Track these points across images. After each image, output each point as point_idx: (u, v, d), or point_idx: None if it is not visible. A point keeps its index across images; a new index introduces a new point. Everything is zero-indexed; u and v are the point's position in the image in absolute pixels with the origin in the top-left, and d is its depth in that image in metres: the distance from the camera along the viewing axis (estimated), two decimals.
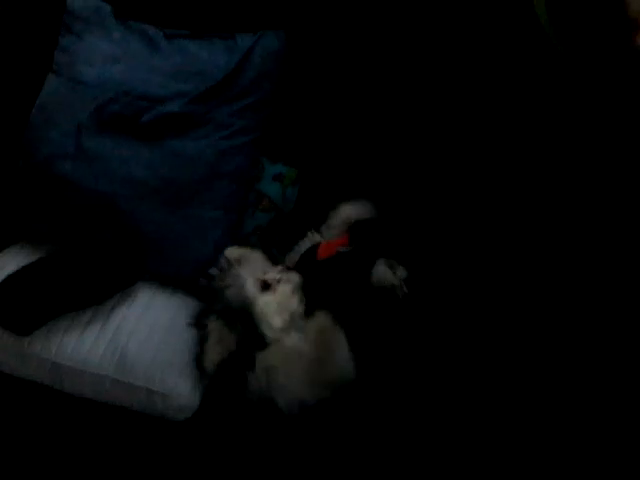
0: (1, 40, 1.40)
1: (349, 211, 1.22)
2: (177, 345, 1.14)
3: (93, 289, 1.18)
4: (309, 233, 1.26)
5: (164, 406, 1.10)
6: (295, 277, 1.08)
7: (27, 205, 1.25)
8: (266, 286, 1.08)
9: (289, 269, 1.13)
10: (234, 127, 1.26)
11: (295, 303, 1.06)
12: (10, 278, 1.17)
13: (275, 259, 1.21)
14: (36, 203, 1.24)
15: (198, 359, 1.07)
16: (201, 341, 1.07)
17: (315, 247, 1.21)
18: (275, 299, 1.06)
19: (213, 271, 1.17)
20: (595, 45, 1.06)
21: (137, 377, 1.10)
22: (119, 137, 1.24)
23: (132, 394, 1.10)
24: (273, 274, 1.09)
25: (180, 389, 1.10)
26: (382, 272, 1.12)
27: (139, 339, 1.14)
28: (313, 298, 1.07)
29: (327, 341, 1.02)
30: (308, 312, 1.06)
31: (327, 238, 1.23)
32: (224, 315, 1.06)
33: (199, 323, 1.09)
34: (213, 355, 1.04)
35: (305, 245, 1.23)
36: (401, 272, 1.12)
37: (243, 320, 1.04)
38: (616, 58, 1.05)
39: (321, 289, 1.10)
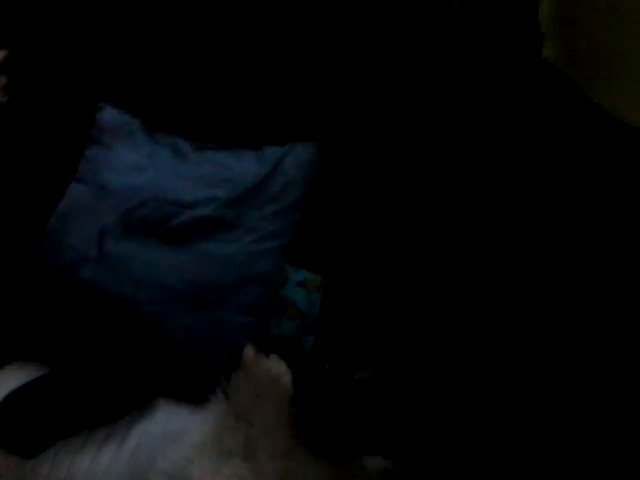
0: (23, 152, 1.42)
1: None
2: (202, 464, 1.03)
3: (109, 404, 1.07)
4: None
5: None
6: None
7: (40, 316, 1.18)
8: None
9: None
10: (263, 231, 1.26)
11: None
12: (13, 394, 1.06)
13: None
14: (51, 313, 1.17)
15: None
16: None
17: None
18: None
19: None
20: None
21: None
22: (145, 241, 1.22)
23: None
24: None
25: None
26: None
27: (162, 457, 1.02)
28: None
29: None
30: None
31: None
32: None
33: None
34: None
35: None
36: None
37: None
38: None
39: None
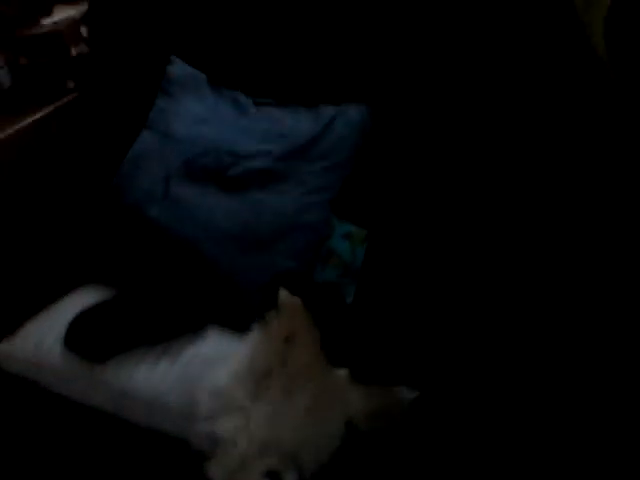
0: (102, 100, 1.55)
1: None
2: None
3: (167, 326, 1.21)
4: None
5: None
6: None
7: (111, 245, 1.32)
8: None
9: None
10: (313, 185, 1.33)
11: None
12: (88, 310, 1.21)
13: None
14: (120, 243, 1.31)
15: None
16: None
17: None
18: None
19: None
20: None
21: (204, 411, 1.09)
22: (205, 187, 1.33)
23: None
24: None
25: None
26: None
27: (209, 376, 1.14)
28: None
29: None
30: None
31: None
32: None
33: None
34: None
35: None
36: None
37: None
38: None
39: None
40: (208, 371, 1.14)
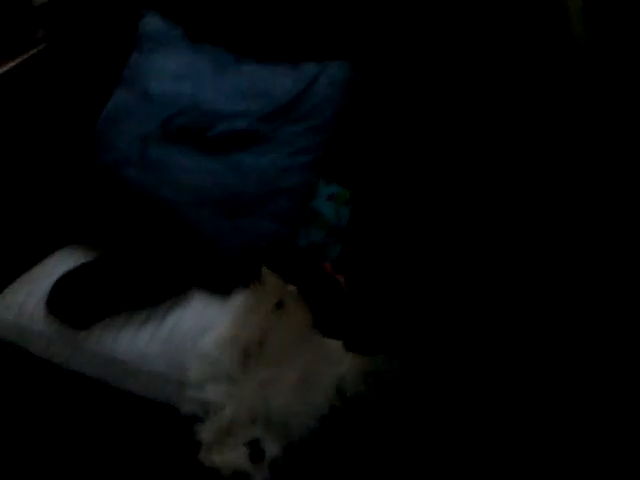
0: (72, 55, 1.48)
1: None
2: None
3: (150, 290, 1.19)
4: None
5: None
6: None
7: (89, 207, 1.28)
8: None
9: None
10: (296, 146, 1.31)
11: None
12: (69, 273, 1.18)
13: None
14: (98, 205, 1.28)
15: None
16: None
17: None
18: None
19: None
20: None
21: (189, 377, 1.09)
22: (184, 148, 1.29)
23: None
24: None
25: None
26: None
27: (192, 344, 1.14)
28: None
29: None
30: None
31: None
32: None
33: None
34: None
35: None
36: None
37: None
38: None
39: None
40: (193, 337, 1.14)
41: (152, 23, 1.43)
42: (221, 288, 1.22)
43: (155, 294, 1.19)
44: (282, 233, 1.28)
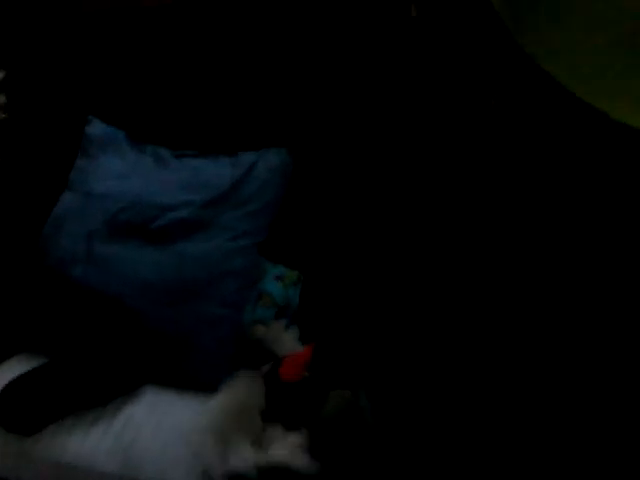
0: (21, 163, 1.54)
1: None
2: (183, 445, 1.12)
3: (98, 391, 1.18)
4: None
5: None
6: None
7: (39, 311, 1.28)
8: None
9: None
10: (238, 230, 1.35)
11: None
12: (14, 381, 1.17)
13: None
14: (47, 308, 1.28)
15: None
16: None
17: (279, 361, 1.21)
18: None
19: None
20: None
21: (144, 474, 1.06)
22: (129, 242, 1.33)
23: None
24: None
25: None
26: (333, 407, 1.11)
27: (146, 437, 1.12)
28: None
29: None
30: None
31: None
32: None
33: None
34: None
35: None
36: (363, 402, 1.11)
37: None
38: None
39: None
40: (147, 431, 1.12)
41: (97, 128, 1.51)
42: (177, 380, 1.22)
43: (104, 393, 1.17)
44: (230, 316, 1.29)
